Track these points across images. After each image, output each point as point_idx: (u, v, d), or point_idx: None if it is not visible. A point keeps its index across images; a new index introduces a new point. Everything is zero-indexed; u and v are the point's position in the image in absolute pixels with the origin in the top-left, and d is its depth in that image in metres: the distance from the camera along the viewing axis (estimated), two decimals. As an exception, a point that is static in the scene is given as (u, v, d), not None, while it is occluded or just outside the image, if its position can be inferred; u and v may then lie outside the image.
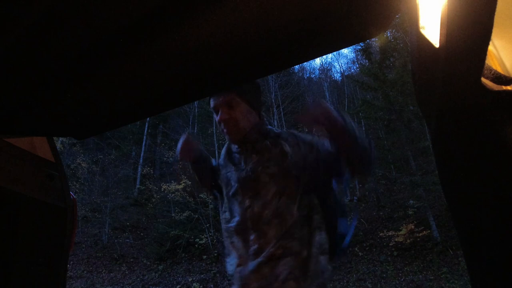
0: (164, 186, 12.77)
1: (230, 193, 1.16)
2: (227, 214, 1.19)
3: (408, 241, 9.07)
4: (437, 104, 0.55)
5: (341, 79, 24.61)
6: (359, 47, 13.03)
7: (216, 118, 1.18)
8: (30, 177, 1.22)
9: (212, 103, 1.17)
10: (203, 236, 11.40)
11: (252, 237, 1.07)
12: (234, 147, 1.23)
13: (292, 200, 1.07)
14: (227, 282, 9.39)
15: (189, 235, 11.51)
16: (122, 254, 11.54)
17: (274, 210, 1.06)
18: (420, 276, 7.94)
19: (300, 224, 1.07)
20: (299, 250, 1.03)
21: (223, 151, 1.29)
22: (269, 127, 1.23)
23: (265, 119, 1.25)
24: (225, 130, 1.15)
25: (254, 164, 1.12)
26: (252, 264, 1.04)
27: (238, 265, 1.08)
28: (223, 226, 1.19)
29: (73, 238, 1.34)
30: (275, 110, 15.32)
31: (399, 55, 11.27)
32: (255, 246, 1.06)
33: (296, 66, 24.09)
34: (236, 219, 1.12)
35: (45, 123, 1.17)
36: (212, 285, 9.47)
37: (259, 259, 1.04)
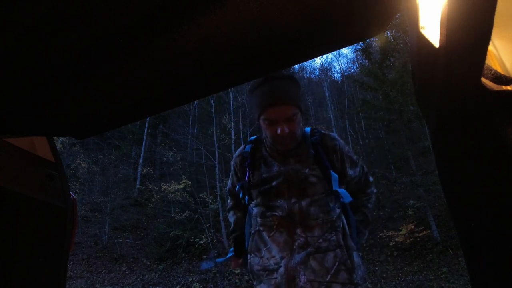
0: (164, 186, 12.76)
1: (272, 190, 1.16)
2: (260, 209, 1.18)
3: (408, 241, 9.06)
4: (437, 104, 0.55)
5: (341, 79, 24.62)
6: (359, 47, 13.02)
7: (266, 126, 1.11)
8: (30, 177, 1.22)
9: (269, 114, 1.08)
10: (203, 236, 11.39)
11: (298, 230, 1.08)
12: (266, 150, 1.22)
13: (330, 197, 1.13)
14: (227, 282, 9.39)
15: (189, 235, 11.51)
16: (122, 254, 11.54)
17: (320, 206, 1.10)
18: (420, 276, 7.94)
19: (339, 218, 1.13)
20: (343, 243, 1.08)
21: (243, 154, 1.27)
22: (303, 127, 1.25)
23: None
24: (282, 142, 1.13)
25: (298, 167, 1.15)
26: (299, 256, 1.04)
27: (282, 258, 1.07)
28: (259, 220, 1.18)
29: (73, 238, 1.34)
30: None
31: (399, 55, 11.26)
32: (302, 240, 1.07)
33: (296, 66, 24.11)
34: (279, 213, 1.12)
35: (45, 123, 1.17)
36: (212, 285, 9.47)
37: (307, 250, 1.05)
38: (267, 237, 1.13)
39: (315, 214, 1.08)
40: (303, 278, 1.01)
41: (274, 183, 1.15)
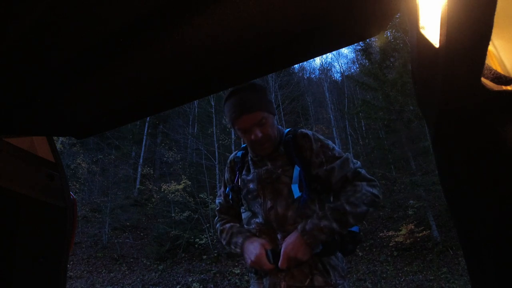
0: (164, 186, 12.77)
1: (249, 195, 1.20)
2: (248, 214, 1.23)
3: (408, 241, 9.06)
4: (437, 104, 0.55)
5: (341, 79, 24.63)
6: (359, 47, 13.04)
7: (242, 135, 1.16)
8: (30, 177, 1.22)
9: (240, 124, 1.12)
10: (203, 236, 11.40)
11: (279, 236, 1.11)
12: (249, 156, 1.26)
13: (312, 200, 1.11)
14: (227, 282, 9.39)
15: (189, 235, 11.51)
16: (122, 254, 11.55)
17: (297, 210, 1.09)
18: (420, 276, 7.94)
19: None
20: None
21: (235, 159, 1.33)
22: (280, 127, 1.26)
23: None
24: (259, 147, 1.16)
25: (271, 167, 1.16)
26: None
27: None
28: (245, 227, 1.23)
29: (73, 238, 1.34)
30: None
31: (399, 55, 11.26)
32: None
33: (296, 66, 24.14)
34: (259, 219, 1.16)
35: (45, 123, 1.17)
36: (212, 285, 9.47)
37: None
38: None
39: (292, 219, 1.10)
40: (283, 284, 1.06)
41: (251, 186, 1.20)
